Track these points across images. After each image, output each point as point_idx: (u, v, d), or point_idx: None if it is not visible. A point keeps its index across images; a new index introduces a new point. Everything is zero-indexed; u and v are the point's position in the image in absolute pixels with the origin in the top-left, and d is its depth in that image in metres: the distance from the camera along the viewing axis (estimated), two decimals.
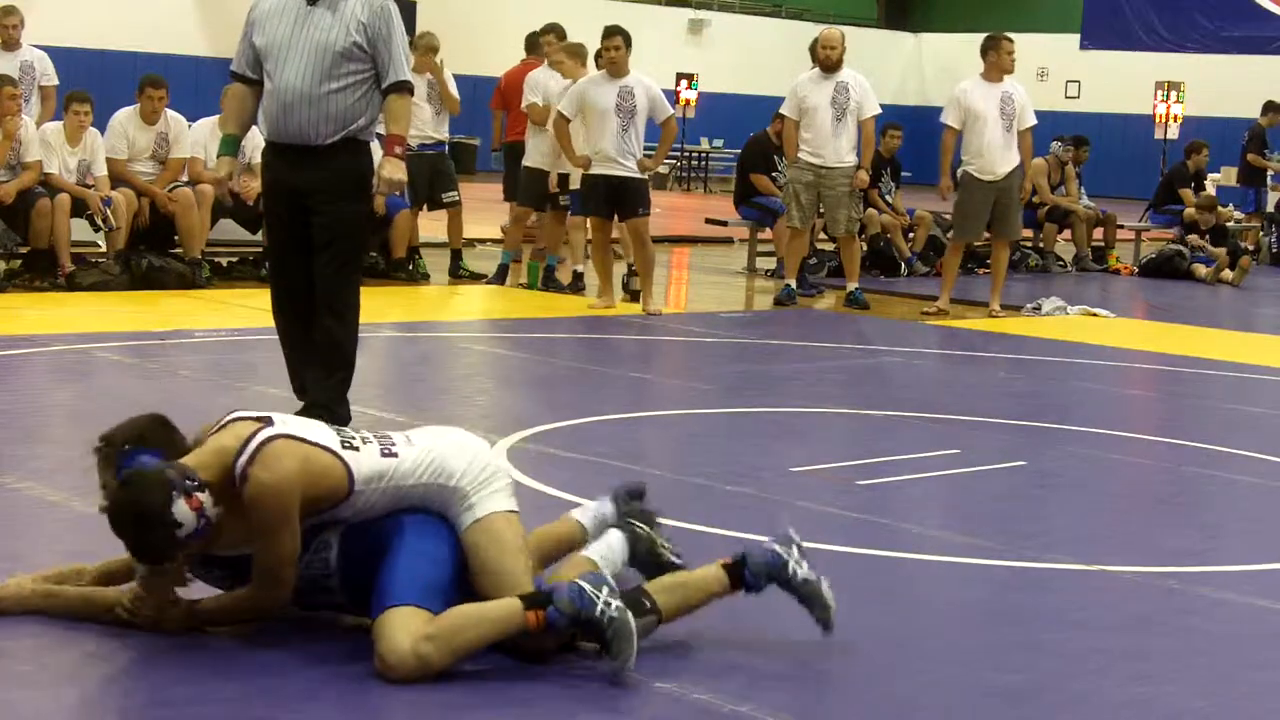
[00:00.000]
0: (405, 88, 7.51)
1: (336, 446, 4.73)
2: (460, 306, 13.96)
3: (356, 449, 4.76)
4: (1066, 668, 4.94)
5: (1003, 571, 5.99)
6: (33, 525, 6.01)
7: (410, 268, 14.51)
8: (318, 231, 7.50)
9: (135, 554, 4.60)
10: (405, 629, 4.52)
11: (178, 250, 13.31)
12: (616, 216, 13.11)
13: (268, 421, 4.67)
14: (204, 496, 4.50)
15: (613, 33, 13.09)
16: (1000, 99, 13.62)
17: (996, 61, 13.73)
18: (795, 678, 4.74)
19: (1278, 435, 9.29)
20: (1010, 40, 13.87)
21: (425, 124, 14.64)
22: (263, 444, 4.59)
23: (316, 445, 4.68)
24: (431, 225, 15.07)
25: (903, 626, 5.27)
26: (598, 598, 4.54)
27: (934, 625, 5.34)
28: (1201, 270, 18.24)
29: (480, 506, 4.79)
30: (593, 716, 4.40)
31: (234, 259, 14.19)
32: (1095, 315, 14.41)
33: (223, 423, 4.74)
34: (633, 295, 13.54)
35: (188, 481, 4.49)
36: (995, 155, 13.60)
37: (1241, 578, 6.06)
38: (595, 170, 12.89)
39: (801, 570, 4.94)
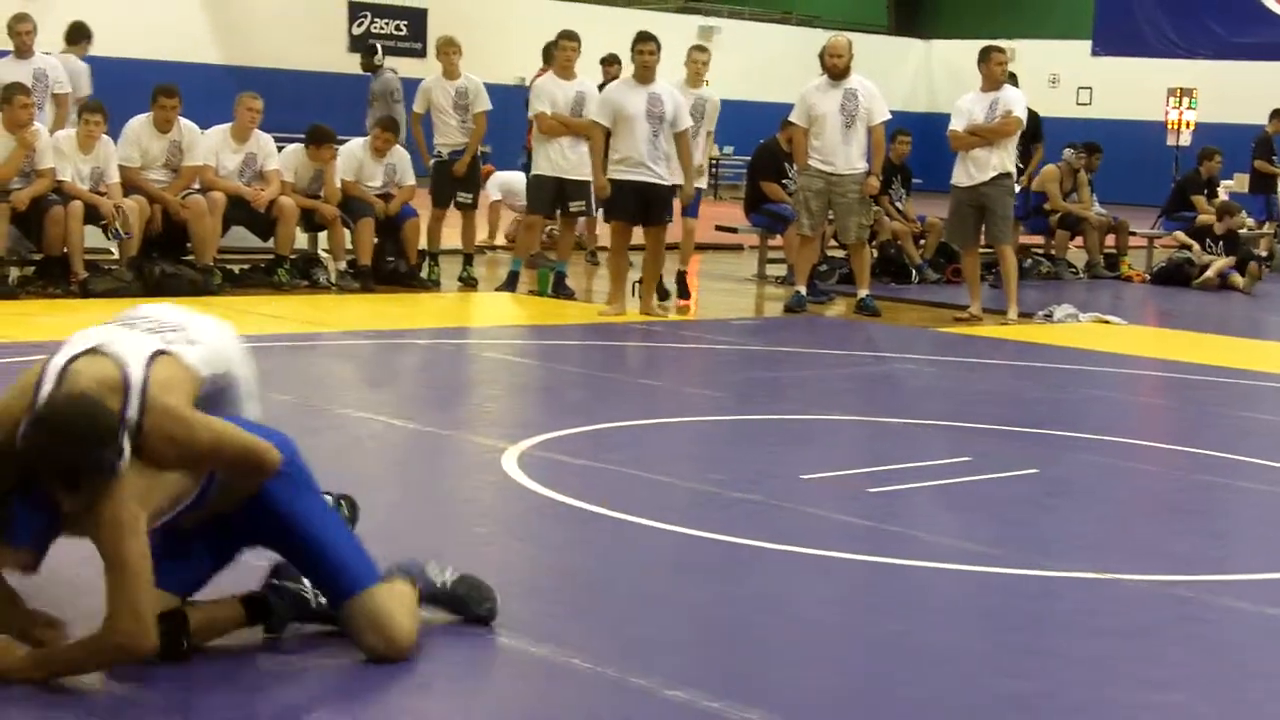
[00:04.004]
0: None
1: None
2: (471, 313, 13.98)
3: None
4: (1076, 675, 4.94)
5: (1013, 579, 5.98)
6: None
7: (422, 274, 14.55)
8: None
9: (64, 475, 4.27)
10: (404, 608, 4.64)
11: (190, 257, 13.34)
12: (641, 222, 13.12)
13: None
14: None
15: (647, 38, 13.12)
16: (988, 107, 13.71)
17: (987, 72, 13.84)
18: (802, 685, 4.74)
19: None
20: (1001, 51, 14.01)
21: (453, 130, 14.70)
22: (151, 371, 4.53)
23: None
24: (451, 234, 15.11)
25: (912, 633, 5.26)
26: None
27: (944, 632, 5.33)
28: (1238, 280, 18.12)
29: None
30: None
31: (246, 266, 14.22)
32: (1107, 322, 14.40)
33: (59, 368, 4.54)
34: (669, 292, 13.79)
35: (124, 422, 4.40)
36: (970, 164, 13.74)
37: (1253, 586, 6.06)
38: (624, 176, 12.89)
39: (443, 576, 4.98)
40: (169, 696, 4.36)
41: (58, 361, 4.50)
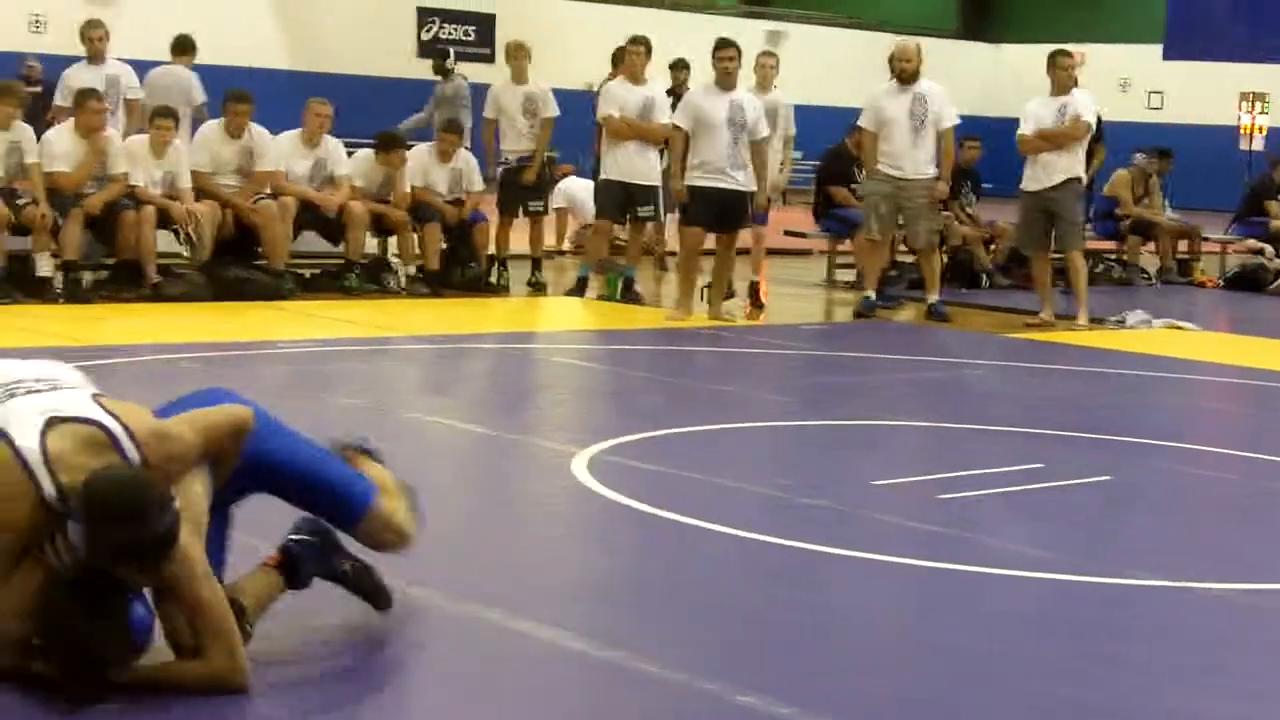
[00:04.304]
0: None
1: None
2: (539, 318, 14.01)
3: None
4: (1144, 683, 4.91)
5: (1083, 587, 5.94)
6: None
7: (490, 279, 14.60)
8: None
9: (144, 556, 4.21)
10: (396, 499, 4.97)
11: (262, 262, 13.42)
12: (716, 229, 13.14)
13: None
14: None
15: (727, 44, 13.16)
16: (1057, 111, 13.65)
17: (1056, 76, 13.79)
18: (871, 691, 4.73)
19: None
20: (1070, 55, 13.95)
21: (521, 136, 14.74)
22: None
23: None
24: (519, 239, 15.17)
25: (980, 640, 5.24)
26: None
27: (1012, 639, 5.31)
28: None
29: None
30: None
31: (316, 270, 14.30)
32: (1180, 329, 14.28)
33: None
34: (733, 293, 13.81)
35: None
36: (1039, 168, 13.69)
37: None
38: (703, 182, 12.90)
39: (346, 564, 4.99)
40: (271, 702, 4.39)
41: (28, 445, 4.26)
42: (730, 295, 13.92)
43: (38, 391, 4.43)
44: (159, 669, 4.39)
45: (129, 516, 4.14)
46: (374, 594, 5.02)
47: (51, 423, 4.31)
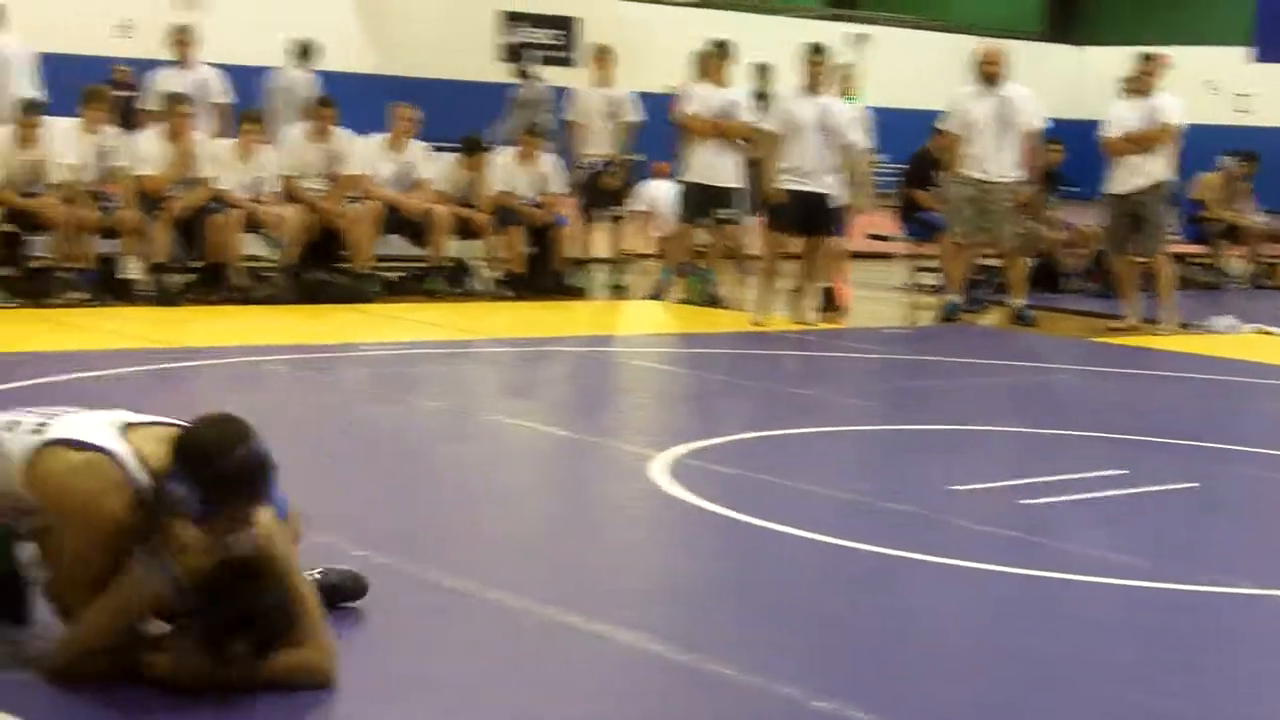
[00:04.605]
0: None
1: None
2: (620, 321, 14.03)
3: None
4: (1224, 691, 4.86)
5: (1166, 594, 5.89)
6: None
7: (570, 282, 14.64)
8: None
9: (257, 500, 4.33)
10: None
11: (346, 265, 13.52)
12: (803, 232, 13.14)
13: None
14: None
15: (816, 49, 13.18)
16: (1144, 115, 13.56)
17: (1135, 80, 13.72)
18: (949, 698, 4.71)
19: None
20: (1156, 58, 13.86)
21: (601, 140, 14.79)
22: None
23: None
24: (601, 242, 15.22)
25: (1058, 646, 5.20)
26: None
27: (1093, 647, 5.26)
28: None
29: None
30: None
31: (401, 274, 14.39)
32: (1269, 334, 14.13)
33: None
34: (829, 307, 13.83)
35: None
36: (1125, 171, 13.60)
37: None
38: (791, 186, 12.90)
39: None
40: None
41: (112, 446, 4.31)
42: (831, 303, 13.91)
43: (80, 411, 4.51)
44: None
45: (229, 441, 4.24)
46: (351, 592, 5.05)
47: (126, 427, 4.39)
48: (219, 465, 4.21)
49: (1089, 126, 16.52)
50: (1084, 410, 10.25)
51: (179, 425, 4.44)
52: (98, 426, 4.38)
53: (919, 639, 5.14)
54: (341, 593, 5.00)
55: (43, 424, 4.40)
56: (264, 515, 4.46)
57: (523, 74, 19.22)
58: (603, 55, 15.08)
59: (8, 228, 12.38)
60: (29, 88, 13.45)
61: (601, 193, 14.80)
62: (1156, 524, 7.09)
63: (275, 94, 15.41)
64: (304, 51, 16.19)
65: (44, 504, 4.34)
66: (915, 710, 4.56)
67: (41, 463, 4.32)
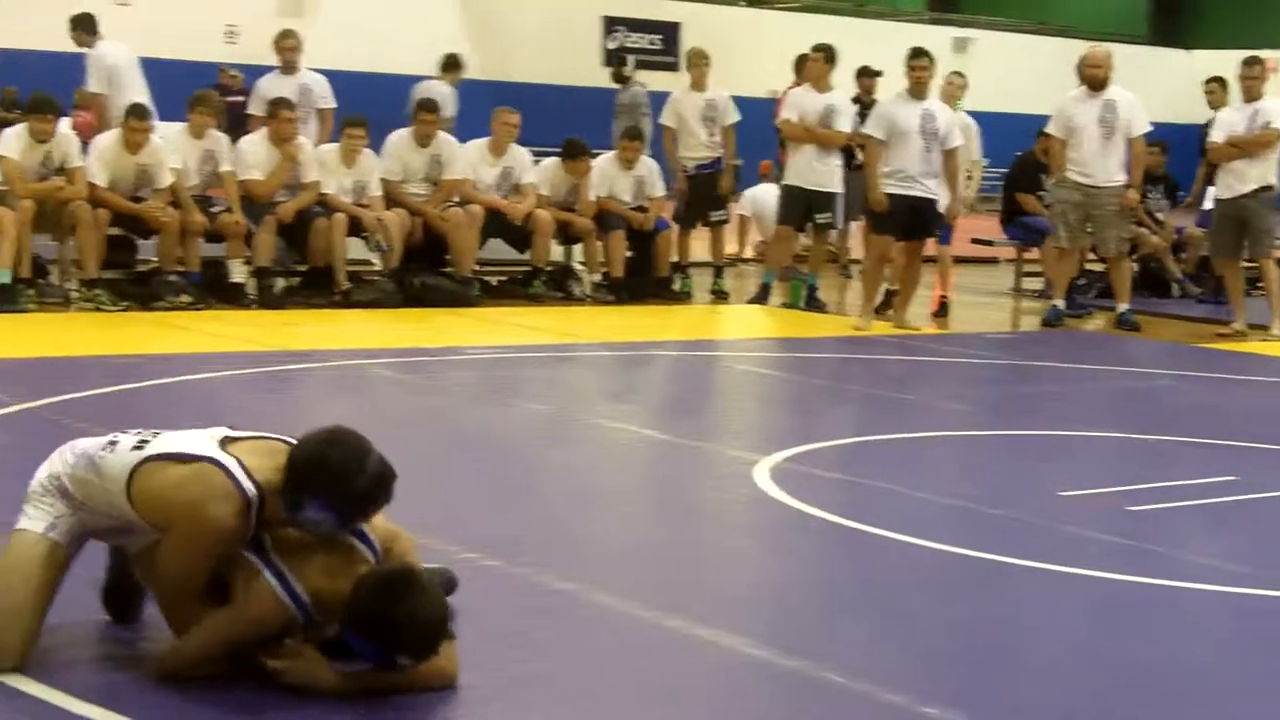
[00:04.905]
0: None
1: None
2: (721, 325, 14.03)
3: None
4: None
5: (1276, 602, 5.82)
6: None
7: (673, 286, 14.64)
8: None
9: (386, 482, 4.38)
10: None
11: (449, 269, 13.58)
12: (905, 237, 13.09)
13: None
14: None
15: (920, 54, 13.13)
16: (1248, 118, 13.41)
17: (1248, 83, 13.57)
18: (1057, 705, 4.67)
19: None
20: (1261, 62, 13.68)
21: (701, 144, 14.79)
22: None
23: None
24: (700, 246, 15.21)
25: (1168, 654, 5.15)
26: None
27: (1200, 654, 5.21)
28: None
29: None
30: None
31: (503, 277, 14.44)
32: None
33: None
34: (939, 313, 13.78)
35: None
36: (1230, 176, 13.47)
37: None
38: (895, 190, 12.85)
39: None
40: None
41: (217, 456, 4.36)
42: (942, 309, 13.83)
43: (176, 431, 4.54)
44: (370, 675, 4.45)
45: (356, 457, 4.30)
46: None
47: (227, 440, 4.43)
48: (354, 484, 4.28)
49: (1195, 131, 16.39)
50: (1191, 416, 10.12)
51: (280, 439, 4.47)
52: (198, 440, 4.42)
53: (1027, 646, 5.10)
54: None
55: (143, 441, 4.44)
56: (382, 522, 4.50)
57: (621, 78, 19.23)
58: (698, 59, 15.08)
59: (116, 232, 12.51)
60: (137, 93, 13.62)
61: (702, 197, 14.78)
62: (1266, 531, 7.00)
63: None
64: (449, 63, 16.33)
65: (149, 518, 4.37)
66: (1028, 717, 4.52)
67: (145, 477, 4.36)
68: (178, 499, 4.30)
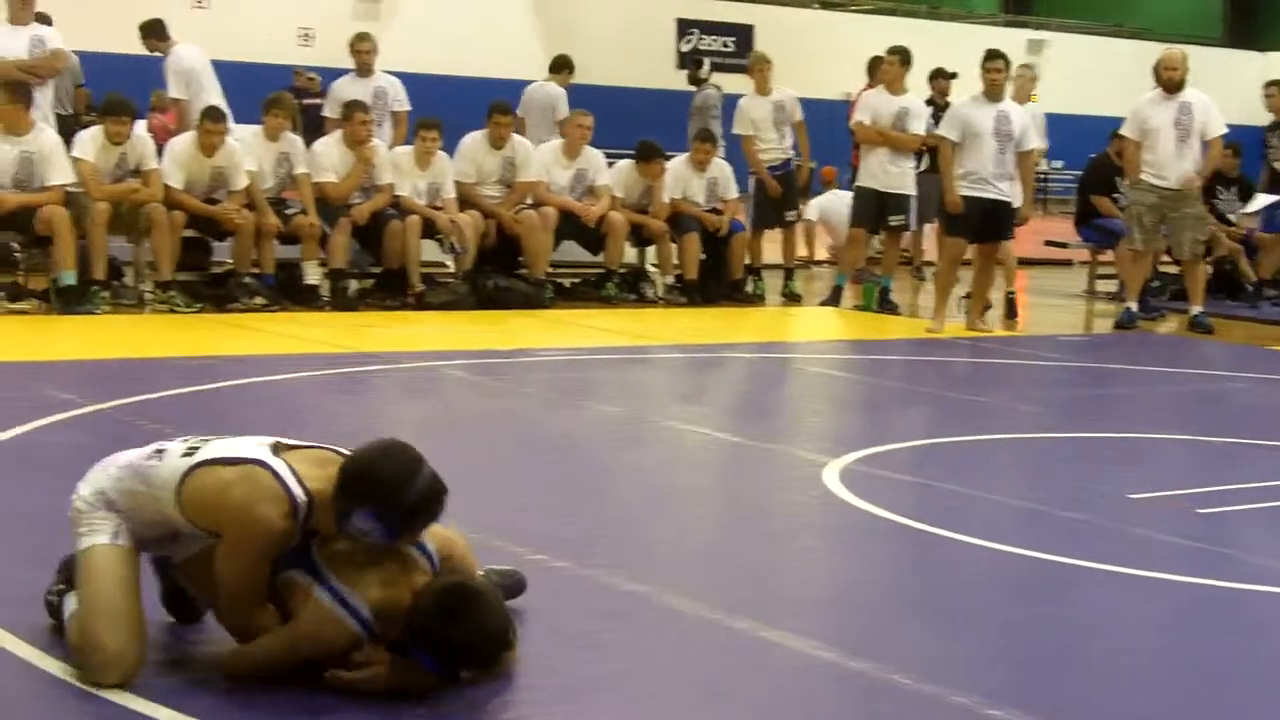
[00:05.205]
0: None
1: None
2: (794, 328, 14.03)
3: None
4: None
5: None
6: None
7: (746, 289, 14.66)
8: None
9: (438, 493, 4.39)
10: None
11: (523, 271, 13.64)
12: (978, 239, 13.07)
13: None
14: None
15: (995, 55, 13.12)
16: None
17: None
18: (1124, 709, 4.67)
19: None
20: None
21: (770, 147, 14.81)
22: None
23: None
24: (773, 249, 15.22)
25: (1240, 659, 5.13)
26: None
27: (1264, 657, 5.18)
28: None
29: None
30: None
31: (576, 279, 14.50)
32: None
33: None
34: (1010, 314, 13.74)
35: None
36: None
37: None
38: (969, 192, 12.84)
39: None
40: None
41: (270, 461, 4.38)
42: (988, 307, 13.78)
43: (226, 438, 4.58)
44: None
45: (409, 471, 4.32)
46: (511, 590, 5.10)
47: (279, 447, 4.47)
48: (406, 498, 4.31)
49: (1257, 133, 16.29)
50: (1263, 419, 10.06)
51: (333, 450, 4.51)
52: (249, 445, 4.47)
53: (1096, 650, 5.09)
54: (503, 591, 5.06)
55: (193, 448, 4.48)
56: (441, 531, 4.53)
57: (696, 80, 19.27)
58: (760, 64, 15.11)
59: (191, 234, 12.64)
60: (212, 95, 13.74)
61: (775, 199, 14.80)
62: None
63: (529, 106, 15.73)
64: (559, 65, 16.44)
65: (200, 522, 4.40)
66: None
67: (195, 482, 4.39)
68: (227, 501, 4.33)
